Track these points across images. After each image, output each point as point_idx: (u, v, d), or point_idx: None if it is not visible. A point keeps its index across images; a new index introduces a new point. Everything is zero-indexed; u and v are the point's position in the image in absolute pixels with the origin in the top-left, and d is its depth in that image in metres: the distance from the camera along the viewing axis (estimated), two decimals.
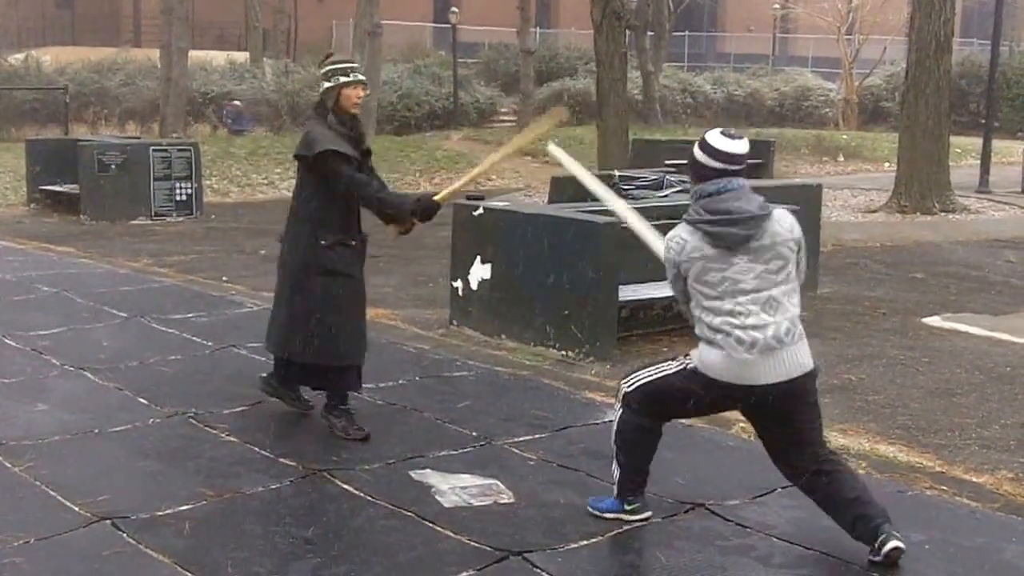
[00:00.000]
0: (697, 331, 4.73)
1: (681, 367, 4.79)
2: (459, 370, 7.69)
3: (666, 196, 9.75)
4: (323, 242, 6.06)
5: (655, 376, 4.86)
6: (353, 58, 6.38)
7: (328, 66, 6.16)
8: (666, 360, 4.95)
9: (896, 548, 4.54)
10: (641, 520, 4.99)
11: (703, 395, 4.74)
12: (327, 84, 6.10)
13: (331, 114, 6.09)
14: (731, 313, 4.59)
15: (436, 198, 6.09)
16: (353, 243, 6.18)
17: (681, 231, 4.70)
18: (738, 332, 4.57)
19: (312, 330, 6.11)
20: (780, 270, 4.65)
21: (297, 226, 6.18)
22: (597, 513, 5.06)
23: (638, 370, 4.97)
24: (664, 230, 8.49)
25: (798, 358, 4.66)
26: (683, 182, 10.55)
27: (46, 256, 12.68)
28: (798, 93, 39.96)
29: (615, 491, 5.02)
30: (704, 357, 4.69)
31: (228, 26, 40.95)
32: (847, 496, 4.68)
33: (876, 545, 4.57)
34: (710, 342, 4.66)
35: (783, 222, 4.70)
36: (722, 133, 4.71)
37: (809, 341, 7.95)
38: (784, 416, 4.74)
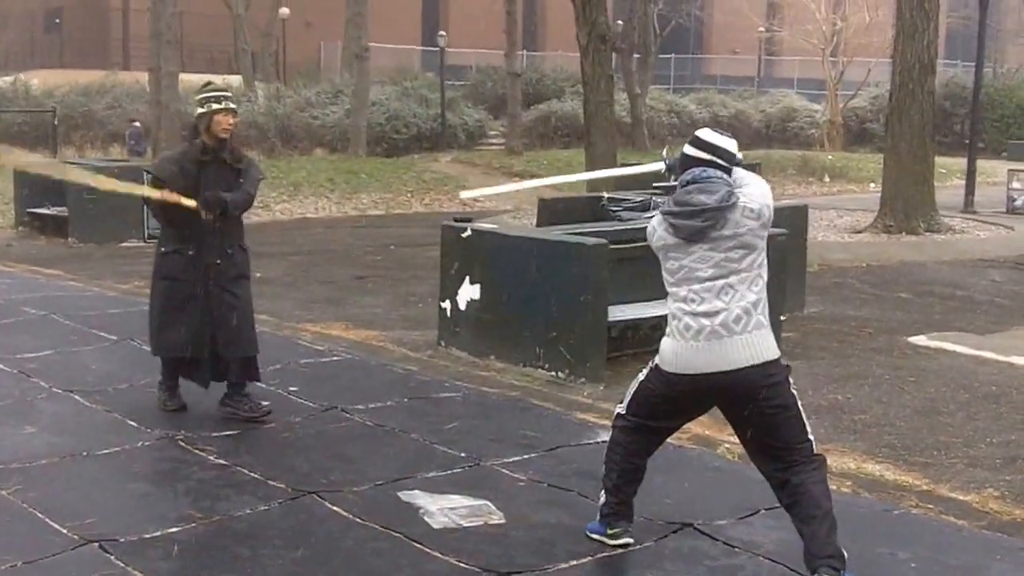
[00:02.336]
0: (668, 319, 4.80)
1: (650, 368, 4.87)
2: (447, 391, 7.70)
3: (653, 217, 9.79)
4: (163, 249, 6.86)
5: (636, 386, 4.93)
6: (226, 86, 6.97)
7: (203, 93, 6.66)
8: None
9: None
10: (620, 545, 4.98)
11: (667, 392, 4.75)
12: (200, 110, 6.61)
13: (200, 138, 6.64)
14: (684, 299, 4.63)
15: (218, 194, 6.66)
16: (191, 252, 6.70)
17: (655, 219, 4.82)
18: (687, 319, 4.61)
19: (153, 324, 6.98)
20: (743, 258, 4.61)
21: (158, 236, 7.13)
22: (587, 533, 5.07)
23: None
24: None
25: (748, 348, 4.58)
26: None
27: (34, 279, 12.66)
28: (784, 114, 40.13)
29: (597, 515, 5.05)
30: (662, 349, 4.76)
31: (217, 49, 40.98)
32: (800, 528, 4.60)
33: None
34: (668, 332, 4.73)
35: (748, 212, 4.60)
36: (712, 129, 4.83)
37: (796, 361, 7.94)
38: (739, 412, 4.69)
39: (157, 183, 6.68)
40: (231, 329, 6.80)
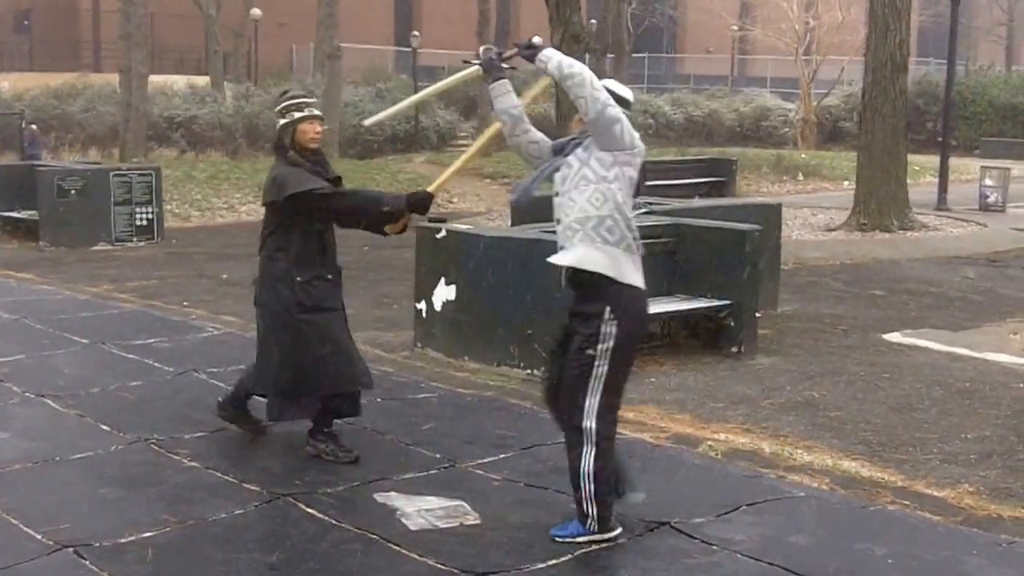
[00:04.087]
0: (613, 234, 4.93)
1: (612, 321, 4.86)
2: (423, 392, 7.69)
3: (635, 215, 9.76)
4: (299, 279, 6.03)
5: (602, 382, 4.88)
6: (309, 93, 6.35)
7: (283, 102, 6.17)
8: (584, 356, 4.89)
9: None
10: (615, 536, 4.99)
11: (640, 330, 5.08)
12: (283, 121, 6.09)
13: (291, 151, 6.08)
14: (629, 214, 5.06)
15: (430, 189, 6.02)
16: (329, 277, 6.18)
17: (626, 121, 4.96)
18: (630, 235, 5.02)
19: (305, 363, 6.05)
20: None
21: (271, 267, 6.14)
22: (567, 540, 5.00)
23: (577, 399, 4.92)
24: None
25: None
26: (648, 203, 10.60)
27: (5, 283, 12.56)
28: (757, 113, 40.28)
29: (595, 524, 4.98)
30: (625, 274, 4.92)
31: (188, 50, 40.83)
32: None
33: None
34: (622, 248, 4.95)
35: None
36: (616, 81, 5.11)
37: (772, 358, 7.98)
38: None
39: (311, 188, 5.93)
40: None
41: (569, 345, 4.95)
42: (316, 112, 6.14)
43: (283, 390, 6.12)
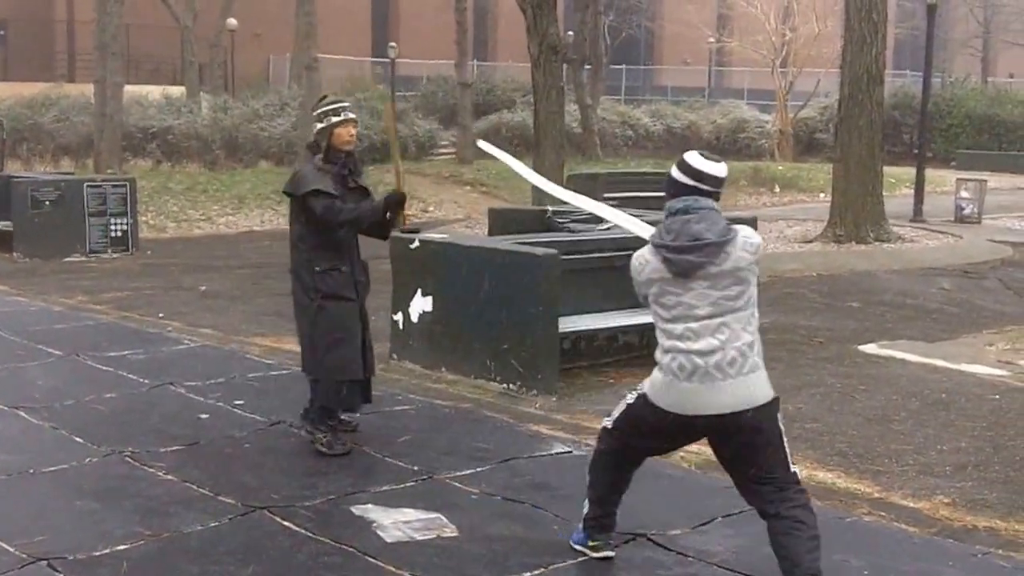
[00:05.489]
0: (656, 351, 4.59)
1: (638, 395, 4.70)
2: (400, 404, 7.67)
3: (607, 229, 9.75)
4: (317, 268, 6.49)
5: (624, 406, 4.80)
6: (343, 97, 6.74)
7: (321, 108, 6.51)
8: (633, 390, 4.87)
9: None
10: (602, 557, 4.97)
11: (655, 423, 4.60)
12: (320, 125, 6.45)
13: (322, 153, 6.44)
14: (680, 337, 4.43)
15: (398, 190, 6.62)
16: (344, 268, 6.52)
17: (645, 251, 4.56)
18: (682, 358, 4.42)
19: (315, 347, 6.52)
20: (739, 296, 4.44)
21: (295, 255, 6.59)
22: (571, 544, 5.05)
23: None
24: (607, 263, 8.47)
25: (746, 390, 4.46)
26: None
27: None
28: (734, 125, 40.36)
29: (580, 525, 5.01)
30: (652, 381, 4.58)
31: (163, 60, 40.68)
32: (785, 564, 4.50)
33: None
34: (660, 365, 4.53)
35: (748, 246, 4.46)
36: (700, 153, 4.61)
37: None
38: (735, 450, 4.58)
39: (319, 197, 6.34)
40: (370, 347, 6.76)
41: None
42: (351, 115, 6.48)
43: (322, 371, 6.55)
